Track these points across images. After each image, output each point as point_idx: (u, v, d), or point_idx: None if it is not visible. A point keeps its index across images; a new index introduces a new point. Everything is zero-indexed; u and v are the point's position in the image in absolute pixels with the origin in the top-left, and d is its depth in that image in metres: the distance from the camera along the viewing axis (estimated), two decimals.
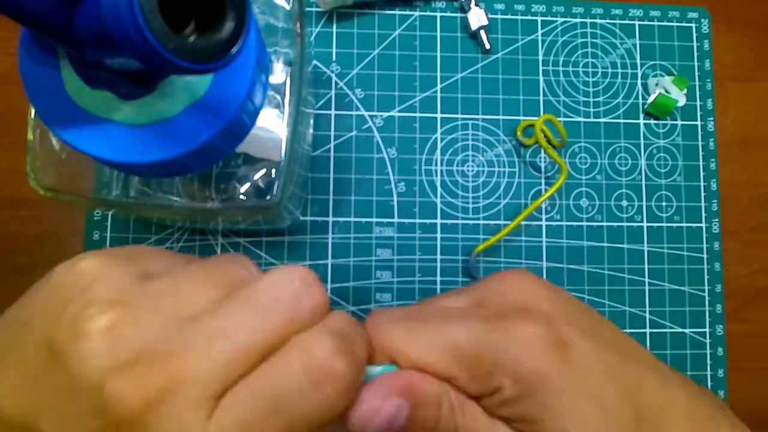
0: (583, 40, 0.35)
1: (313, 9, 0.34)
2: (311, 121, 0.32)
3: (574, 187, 0.34)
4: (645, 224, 0.34)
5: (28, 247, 0.32)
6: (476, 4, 0.34)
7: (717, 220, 0.35)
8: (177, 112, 0.18)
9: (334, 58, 0.34)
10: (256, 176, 0.25)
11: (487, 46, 0.34)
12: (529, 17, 0.35)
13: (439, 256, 0.33)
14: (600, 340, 0.18)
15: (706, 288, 0.34)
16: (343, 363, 0.15)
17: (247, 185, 0.25)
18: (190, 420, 0.14)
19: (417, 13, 0.35)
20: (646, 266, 0.34)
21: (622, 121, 0.35)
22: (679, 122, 0.35)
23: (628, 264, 0.34)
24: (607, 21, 0.36)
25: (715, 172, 0.35)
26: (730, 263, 0.34)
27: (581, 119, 0.34)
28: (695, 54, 0.36)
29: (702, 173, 0.35)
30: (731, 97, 0.36)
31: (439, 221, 0.33)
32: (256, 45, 0.19)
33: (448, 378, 0.18)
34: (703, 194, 0.35)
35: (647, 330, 0.33)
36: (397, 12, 0.35)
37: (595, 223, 0.34)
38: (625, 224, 0.34)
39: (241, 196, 0.25)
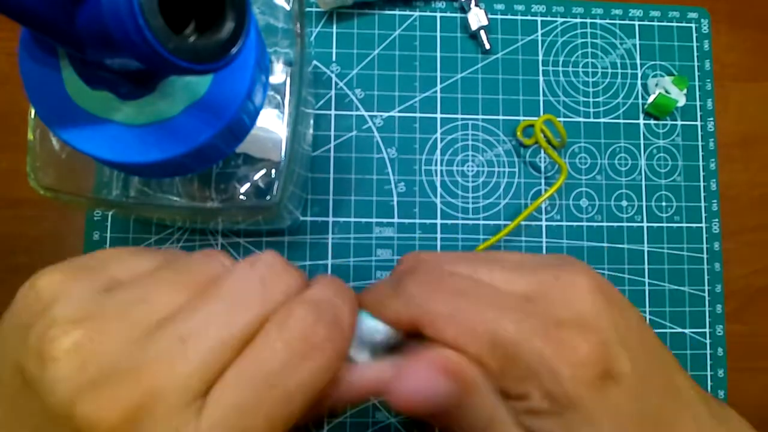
0: (583, 40, 0.35)
1: (313, 9, 0.34)
2: (311, 121, 0.32)
3: (574, 187, 0.34)
4: (645, 224, 0.34)
5: (28, 247, 0.32)
6: (476, 5, 0.34)
7: (717, 220, 0.35)
8: (177, 112, 0.18)
9: (334, 58, 0.34)
10: (256, 176, 0.25)
11: (487, 47, 0.34)
12: (529, 17, 0.35)
13: None
14: (647, 372, 0.17)
15: (706, 288, 0.34)
16: (325, 329, 0.15)
17: (247, 185, 0.25)
18: (178, 425, 0.13)
19: (417, 14, 0.35)
20: (646, 266, 0.34)
21: (622, 121, 0.35)
22: (679, 122, 0.35)
23: (628, 264, 0.34)
24: (607, 21, 0.36)
25: (715, 172, 0.35)
26: (730, 263, 0.34)
27: (581, 119, 0.34)
28: (695, 54, 0.36)
29: (702, 173, 0.35)
30: (731, 97, 0.36)
31: (439, 221, 0.33)
32: (256, 45, 0.19)
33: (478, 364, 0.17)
34: (703, 194, 0.35)
35: None
36: (397, 12, 0.35)
37: (595, 223, 0.34)
38: (625, 224, 0.34)
39: (241, 196, 0.25)
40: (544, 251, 0.33)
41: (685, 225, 0.34)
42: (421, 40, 0.34)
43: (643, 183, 0.34)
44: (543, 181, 0.34)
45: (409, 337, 0.19)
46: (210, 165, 0.21)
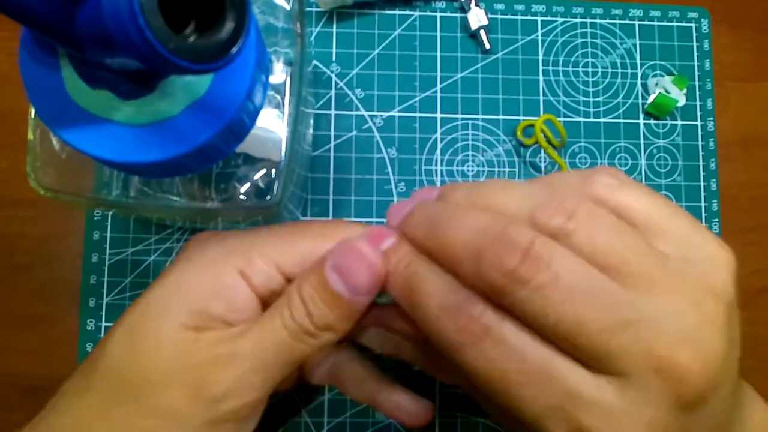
0: (583, 40, 0.35)
1: (313, 9, 0.34)
2: (311, 121, 0.32)
3: None
4: None
5: (28, 247, 0.32)
6: (476, 4, 0.34)
7: (717, 220, 0.35)
8: (177, 112, 0.18)
9: (334, 58, 0.34)
10: (256, 176, 0.25)
11: (487, 46, 0.34)
12: (529, 17, 0.35)
13: None
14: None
15: None
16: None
17: (247, 185, 0.25)
18: None
19: (417, 13, 0.35)
20: None
21: (622, 121, 0.35)
22: (679, 122, 0.35)
23: None
24: (607, 21, 0.36)
25: (715, 172, 0.35)
26: None
27: (581, 119, 0.35)
28: (695, 54, 0.36)
29: (702, 173, 0.35)
30: (731, 97, 0.36)
31: None
32: (256, 45, 0.19)
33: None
34: (703, 194, 0.35)
35: None
36: (397, 12, 0.35)
37: None
38: None
39: (241, 196, 0.25)
40: None
41: None
42: (421, 40, 0.34)
43: (644, 183, 0.34)
44: None
45: None
46: (210, 165, 0.21)
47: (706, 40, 0.36)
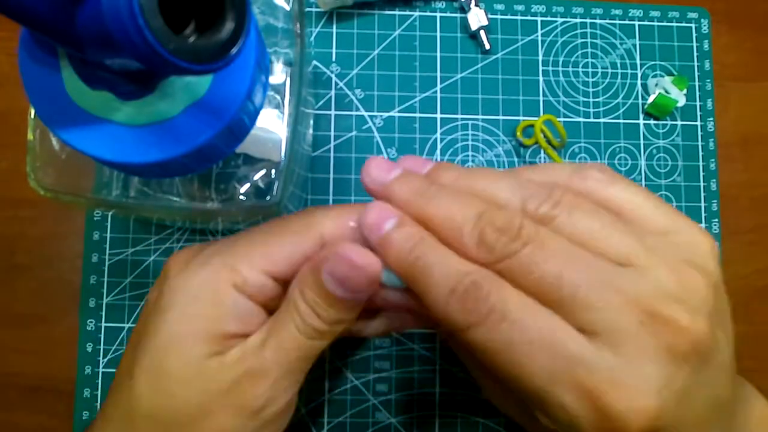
0: (583, 40, 0.35)
1: (313, 9, 0.34)
2: (311, 122, 0.32)
3: None
4: None
5: (28, 247, 0.32)
6: (476, 5, 0.34)
7: (717, 220, 0.35)
8: (177, 112, 0.18)
9: (334, 58, 0.34)
10: (256, 176, 0.25)
11: (487, 47, 0.34)
12: (528, 17, 0.35)
13: None
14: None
15: None
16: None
17: (247, 185, 0.25)
18: None
19: (417, 14, 0.35)
20: None
21: (621, 121, 0.35)
22: (679, 122, 0.35)
23: None
24: (607, 21, 0.36)
25: (715, 173, 0.35)
26: (730, 263, 0.34)
27: (581, 119, 0.35)
28: (695, 54, 0.36)
29: (702, 173, 0.35)
30: (731, 97, 0.36)
31: None
32: (256, 45, 0.19)
33: None
34: (702, 194, 0.35)
35: None
36: (397, 12, 0.35)
37: None
38: None
39: (241, 197, 0.25)
40: None
41: None
42: (421, 40, 0.34)
43: (643, 183, 0.34)
44: None
45: None
46: (210, 165, 0.21)
47: (706, 41, 0.36)
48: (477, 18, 0.34)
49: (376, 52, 0.34)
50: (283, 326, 0.20)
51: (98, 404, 0.30)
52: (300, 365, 0.20)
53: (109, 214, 0.32)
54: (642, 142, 0.35)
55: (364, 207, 0.20)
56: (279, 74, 0.25)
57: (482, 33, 0.34)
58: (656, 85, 0.35)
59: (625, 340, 0.16)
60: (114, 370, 0.30)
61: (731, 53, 0.36)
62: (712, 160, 0.35)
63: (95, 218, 0.32)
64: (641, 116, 0.35)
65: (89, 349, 0.31)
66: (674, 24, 0.36)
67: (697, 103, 0.35)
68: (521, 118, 0.34)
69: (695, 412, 0.16)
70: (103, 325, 0.31)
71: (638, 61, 0.35)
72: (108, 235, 0.32)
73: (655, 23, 0.36)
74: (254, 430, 0.20)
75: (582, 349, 0.16)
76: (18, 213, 0.32)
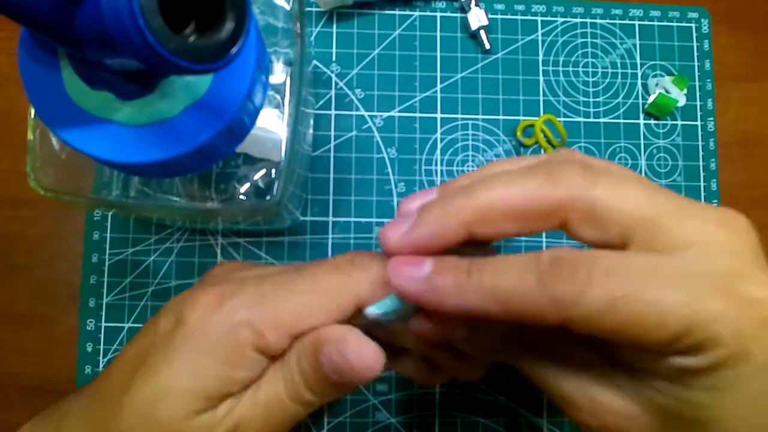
0: (583, 40, 0.35)
1: (313, 9, 0.34)
2: (311, 121, 0.32)
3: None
4: None
5: (28, 247, 0.32)
6: (476, 4, 0.34)
7: None
8: (177, 112, 0.18)
9: (334, 58, 0.34)
10: (256, 176, 0.25)
11: (487, 46, 0.34)
12: (529, 17, 0.35)
13: None
14: None
15: None
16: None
17: (247, 185, 0.25)
18: None
19: (417, 13, 0.35)
20: None
21: (622, 121, 0.35)
22: (679, 122, 0.35)
23: None
24: (607, 21, 0.36)
25: (715, 172, 0.35)
26: None
27: (581, 119, 0.34)
28: (695, 54, 0.36)
29: (702, 173, 0.35)
30: (731, 97, 0.36)
31: None
32: (256, 45, 0.19)
33: None
34: (703, 194, 0.35)
35: None
36: (397, 12, 0.35)
37: None
38: None
39: (241, 196, 0.25)
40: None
41: None
42: (421, 40, 0.34)
43: None
44: None
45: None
46: (210, 165, 0.21)
47: (706, 40, 0.36)
48: (477, 18, 0.34)
49: (376, 51, 0.34)
50: (273, 387, 0.20)
51: None
52: (283, 425, 0.21)
53: (109, 214, 0.32)
54: (642, 141, 0.35)
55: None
56: (279, 74, 0.25)
57: (482, 33, 0.34)
58: (656, 84, 0.35)
59: (722, 240, 0.17)
60: None
61: (731, 53, 0.36)
62: (713, 160, 0.35)
63: (95, 218, 0.32)
64: (641, 116, 0.35)
65: (89, 349, 0.31)
66: (674, 24, 0.36)
67: (698, 103, 0.35)
68: (521, 117, 0.34)
69: None
70: (103, 324, 0.31)
71: (638, 61, 0.35)
72: (108, 235, 0.32)
73: (656, 23, 0.36)
74: None
75: (704, 261, 0.16)
76: (18, 213, 0.32)
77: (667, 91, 0.34)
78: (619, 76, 0.35)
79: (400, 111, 0.34)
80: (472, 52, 0.35)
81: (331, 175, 0.33)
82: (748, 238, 0.17)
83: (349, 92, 0.34)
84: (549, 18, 0.35)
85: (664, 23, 0.36)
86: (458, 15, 0.35)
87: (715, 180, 0.35)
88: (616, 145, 0.34)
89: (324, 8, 0.34)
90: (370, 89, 0.34)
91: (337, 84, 0.34)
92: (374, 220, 0.33)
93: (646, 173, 0.34)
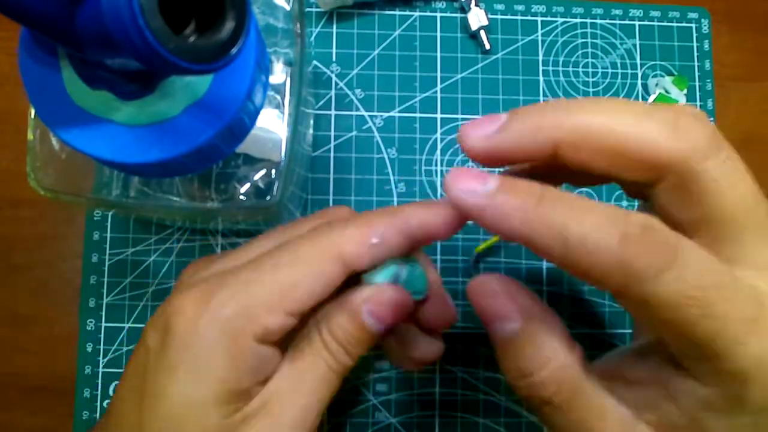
0: (583, 40, 0.35)
1: (313, 9, 0.34)
2: (311, 122, 0.32)
3: (574, 187, 0.34)
4: None
5: (28, 247, 0.32)
6: (476, 5, 0.34)
7: None
8: (177, 112, 0.18)
9: (334, 58, 0.34)
10: (256, 176, 0.25)
11: (487, 47, 0.34)
12: (529, 17, 0.35)
13: (439, 257, 0.33)
14: None
15: None
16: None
17: (247, 185, 0.25)
18: None
19: (417, 14, 0.35)
20: None
21: None
22: None
23: None
24: (607, 21, 0.36)
25: None
26: None
27: None
28: (695, 54, 0.36)
29: None
30: (731, 97, 0.36)
31: None
32: (256, 45, 0.19)
33: None
34: None
35: None
36: (397, 12, 0.35)
37: None
38: None
39: (241, 196, 0.25)
40: None
41: None
42: (421, 40, 0.34)
43: None
44: None
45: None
46: (210, 165, 0.21)
47: (706, 41, 0.36)
48: (477, 18, 0.34)
49: (376, 52, 0.34)
50: (312, 367, 0.20)
51: (98, 404, 0.30)
52: (327, 401, 0.20)
53: (109, 214, 0.32)
54: None
55: (383, 219, 0.19)
56: (279, 74, 0.25)
57: (482, 33, 0.34)
58: (656, 85, 0.35)
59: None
60: (114, 370, 0.31)
61: (731, 53, 0.36)
62: None
63: (95, 218, 0.32)
64: None
65: (89, 349, 0.31)
66: (674, 24, 0.36)
67: (698, 103, 0.35)
68: None
69: None
70: (103, 325, 0.31)
71: (638, 61, 0.35)
72: (108, 235, 0.32)
73: (656, 23, 0.36)
74: None
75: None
76: (18, 213, 0.32)
77: (667, 92, 0.34)
78: (619, 77, 0.35)
79: (400, 111, 0.34)
80: (472, 52, 0.35)
81: (331, 176, 0.33)
82: None
83: (349, 92, 0.34)
84: (549, 18, 0.35)
85: (664, 23, 0.36)
86: (458, 15, 0.35)
87: None
88: None
89: (324, 8, 0.34)
90: (370, 89, 0.34)
91: (337, 84, 0.34)
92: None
93: None
